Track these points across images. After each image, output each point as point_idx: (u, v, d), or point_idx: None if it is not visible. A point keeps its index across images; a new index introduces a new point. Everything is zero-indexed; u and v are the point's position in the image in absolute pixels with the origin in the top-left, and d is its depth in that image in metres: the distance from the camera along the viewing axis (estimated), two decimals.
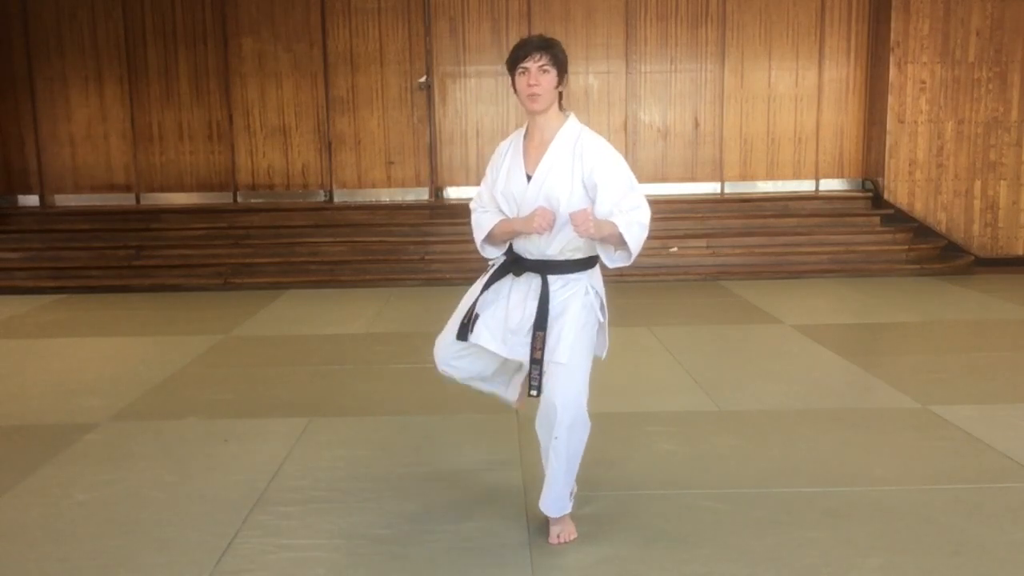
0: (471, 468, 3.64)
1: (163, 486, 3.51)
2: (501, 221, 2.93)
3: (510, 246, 2.97)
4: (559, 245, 2.85)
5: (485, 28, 9.28)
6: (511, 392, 3.25)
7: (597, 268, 2.98)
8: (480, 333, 2.94)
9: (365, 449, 3.88)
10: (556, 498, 2.93)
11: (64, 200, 9.59)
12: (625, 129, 9.37)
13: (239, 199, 9.52)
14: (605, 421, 4.18)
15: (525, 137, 2.94)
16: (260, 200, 9.50)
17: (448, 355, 3.05)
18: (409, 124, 9.44)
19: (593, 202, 2.80)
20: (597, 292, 2.95)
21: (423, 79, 9.33)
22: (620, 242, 2.78)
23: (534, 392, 2.85)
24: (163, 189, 9.55)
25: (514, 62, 2.81)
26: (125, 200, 9.54)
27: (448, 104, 9.43)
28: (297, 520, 3.17)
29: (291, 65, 9.35)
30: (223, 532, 3.07)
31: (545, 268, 2.88)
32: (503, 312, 2.93)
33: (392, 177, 9.51)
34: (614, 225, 2.74)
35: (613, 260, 2.88)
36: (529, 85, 2.78)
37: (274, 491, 3.43)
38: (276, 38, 9.32)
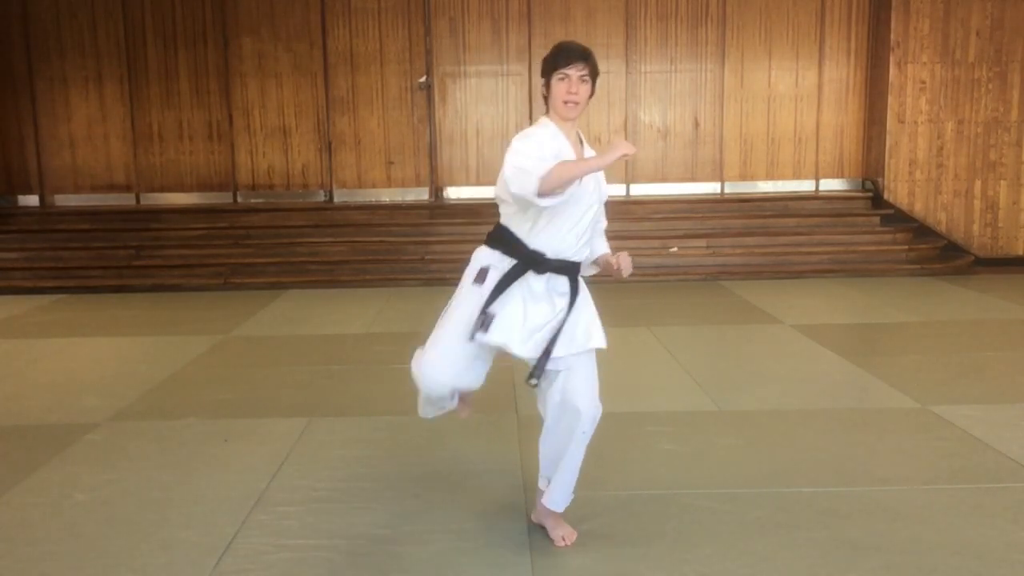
0: (471, 468, 3.64)
1: (163, 486, 3.51)
2: (561, 163, 2.68)
3: (525, 248, 2.84)
4: (587, 249, 2.95)
5: (485, 28, 9.28)
6: (454, 403, 3.18)
7: None
8: (499, 333, 2.81)
9: (365, 449, 3.88)
10: (568, 491, 2.97)
11: (64, 200, 9.59)
12: (625, 129, 9.36)
13: (239, 199, 9.52)
14: (605, 421, 4.16)
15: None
16: (260, 200, 9.50)
17: (458, 369, 2.87)
18: (409, 124, 9.44)
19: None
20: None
21: (423, 79, 9.33)
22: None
23: (534, 381, 2.84)
24: (163, 189, 9.55)
25: (554, 67, 2.81)
26: (125, 200, 9.54)
27: (448, 104, 9.43)
28: (297, 520, 3.16)
29: (291, 65, 9.35)
30: (223, 532, 3.07)
31: (569, 269, 2.89)
32: (520, 312, 2.84)
33: (392, 177, 9.52)
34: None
35: (587, 270, 3.05)
36: (569, 92, 2.80)
37: (274, 491, 3.43)
38: (276, 38, 9.32)
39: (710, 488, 3.39)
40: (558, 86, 2.81)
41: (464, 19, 9.28)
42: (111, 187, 9.56)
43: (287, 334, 6.37)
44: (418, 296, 7.69)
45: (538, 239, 2.83)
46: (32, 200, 9.60)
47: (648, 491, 3.37)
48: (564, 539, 2.95)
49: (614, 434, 3.99)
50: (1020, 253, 8.95)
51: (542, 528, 3.02)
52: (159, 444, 4.01)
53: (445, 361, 2.87)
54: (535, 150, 2.73)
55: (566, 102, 2.80)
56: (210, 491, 3.44)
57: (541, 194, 2.65)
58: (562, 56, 2.80)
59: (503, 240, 2.89)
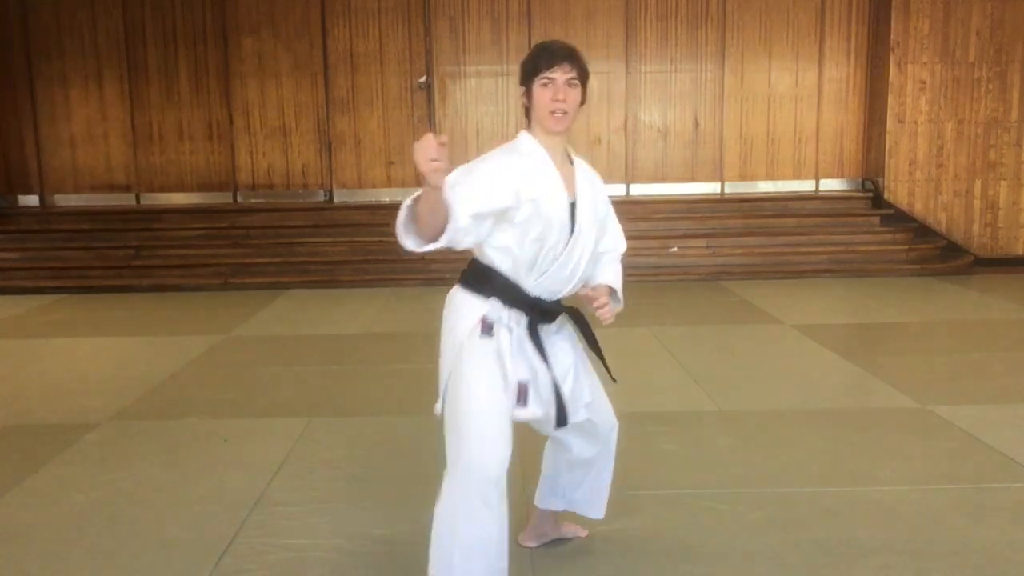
0: None
1: (163, 486, 3.51)
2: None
3: (528, 297, 2.40)
4: (581, 280, 2.52)
5: (485, 28, 9.28)
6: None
7: None
8: (536, 404, 2.42)
9: (365, 449, 3.89)
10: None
11: (64, 200, 9.59)
12: (625, 129, 9.36)
13: (239, 199, 9.52)
14: None
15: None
16: (260, 200, 9.49)
17: (506, 452, 2.42)
18: (409, 124, 9.44)
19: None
20: None
21: (423, 79, 9.33)
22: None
23: (562, 426, 2.52)
24: (163, 189, 9.55)
25: (535, 71, 2.34)
26: (125, 200, 9.53)
27: (448, 104, 9.43)
28: (297, 520, 3.17)
29: (291, 65, 9.35)
30: (223, 532, 3.07)
31: (561, 307, 2.51)
32: (536, 370, 2.43)
33: (392, 177, 9.51)
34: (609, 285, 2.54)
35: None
36: (555, 100, 2.33)
37: (274, 491, 3.43)
38: (276, 38, 9.32)
39: (710, 488, 3.39)
40: (541, 93, 2.33)
41: (464, 19, 9.28)
42: (111, 187, 9.55)
43: (287, 334, 6.37)
44: (418, 296, 7.69)
45: (540, 285, 2.40)
46: (32, 200, 9.60)
47: (648, 491, 3.37)
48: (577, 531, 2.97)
49: None
50: (1020, 253, 8.94)
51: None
52: (159, 444, 4.01)
53: (493, 448, 2.42)
54: (486, 179, 2.24)
55: (552, 112, 2.33)
56: (210, 491, 3.44)
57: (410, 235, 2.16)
58: (544, 57, 2.33)
59: (496, 285, 2.38)
